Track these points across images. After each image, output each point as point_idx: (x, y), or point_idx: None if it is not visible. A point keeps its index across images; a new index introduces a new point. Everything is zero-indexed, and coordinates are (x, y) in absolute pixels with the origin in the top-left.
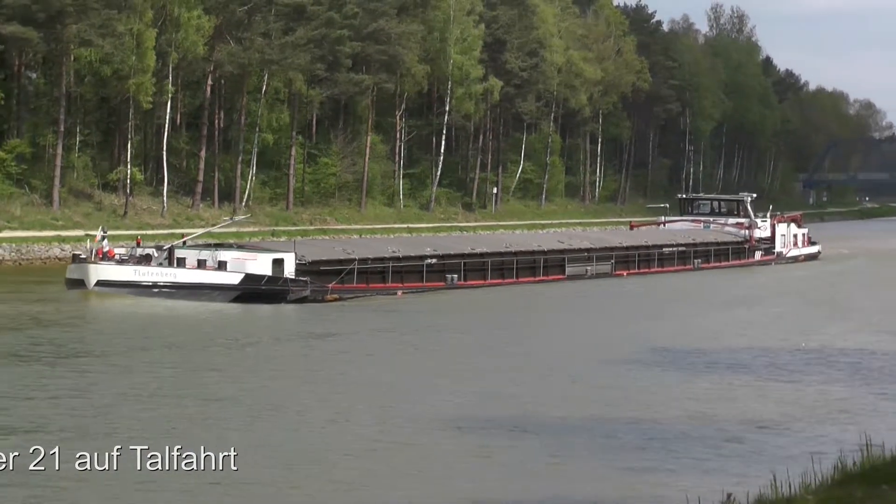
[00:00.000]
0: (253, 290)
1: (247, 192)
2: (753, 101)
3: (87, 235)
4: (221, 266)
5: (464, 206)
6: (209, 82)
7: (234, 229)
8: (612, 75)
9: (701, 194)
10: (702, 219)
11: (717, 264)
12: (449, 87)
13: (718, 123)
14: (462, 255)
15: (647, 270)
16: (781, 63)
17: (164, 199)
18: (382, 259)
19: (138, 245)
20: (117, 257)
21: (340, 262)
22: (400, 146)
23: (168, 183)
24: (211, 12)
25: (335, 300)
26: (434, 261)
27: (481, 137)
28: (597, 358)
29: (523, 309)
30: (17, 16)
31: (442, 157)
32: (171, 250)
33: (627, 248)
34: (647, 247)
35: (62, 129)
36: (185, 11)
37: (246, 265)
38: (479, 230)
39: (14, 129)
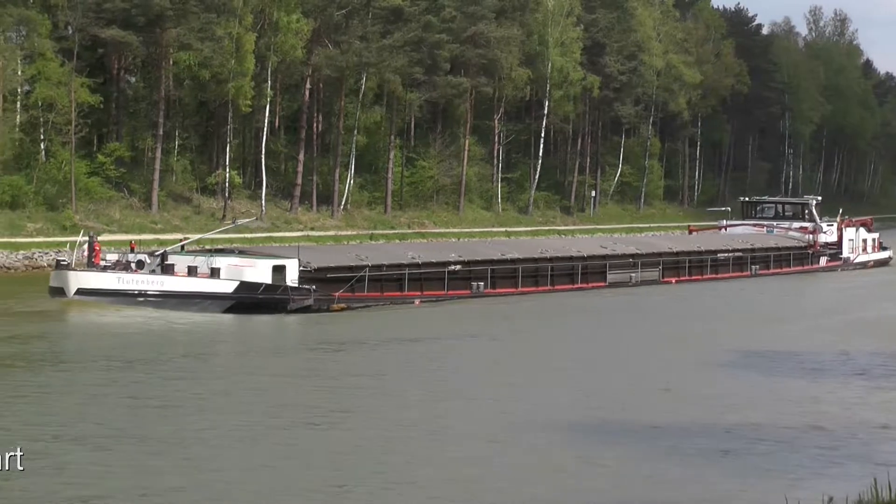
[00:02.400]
0: (249, 300)
1: (345, 196)
2: (853, 104)
3: (185, 238)
4: (214, 273)
5: (562, 209)
6: (307, 86)
7: (331, 232)
8: (712, 79)
9: (765, 197)
10: (765, 223)
11: (777, 271)
12: (547, 89)
13: (818, 127)
14: (490, 262)
15: (698, 277)
16: (882, 66)
17: (263, 202)
18: (399, 265)
19: (132, 250)
20: (102, 263)
21: (350, 268)
22: (498, 149)
23: (266, 186)
24: (309, 16)
25: (342, 309)
26: (458, 267)
27: (580, 141)
28: (680, 362)
29: (579, 314)
30: (116, 20)
31: (540, 161)
32: (163, 256)
33: (677, 254)
34: (700, 252)
35: (161, 132)
36: (283, 15)
37: (243, 272)
38: (577, 233)
39: (113, 132)
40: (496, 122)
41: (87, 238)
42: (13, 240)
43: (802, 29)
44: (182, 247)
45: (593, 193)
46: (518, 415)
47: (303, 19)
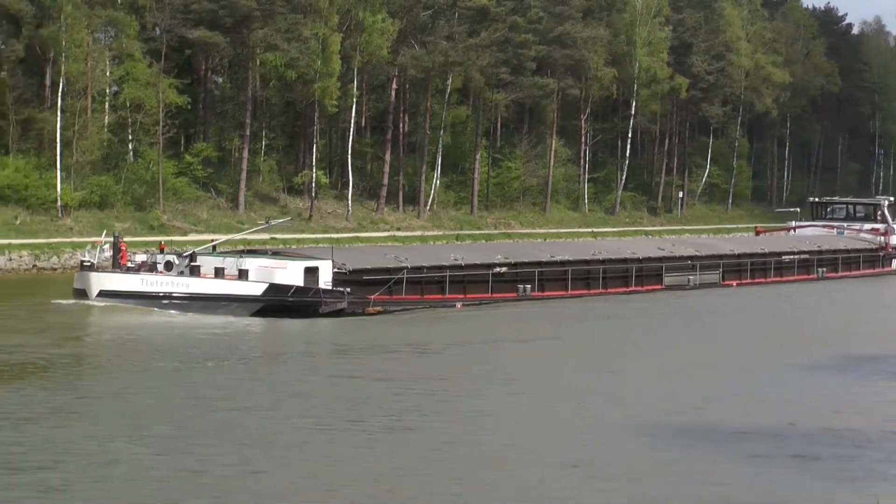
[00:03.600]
0: (278, 303)
1: (431, 196)
2: None
3: (272, 238)
4: (243, 275)
5: (649, 210)
6: (393, 86)
7: (417, 233)
8: (801, 79)
9: (835, 198)
10: (835, 224)
11: (846, 273)
12: (635, 89)
13: None
14: (538, 264)
15: (761, 280)
16: None
17: (349, 202)
18: (440, 267)
19: (161, 251)
20: (129, 264)
21: (388, 270)
22: (585, 150)
23: (353, 186)
24: (395, 16)
25: (377, 313)
26: (504, 269)
27: (667, 141)
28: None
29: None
30: (204, 21)
31: (627, 161)
32: (192, 257)
33: (739, 256)
34: (763, 254)
35: (248, 133)
36: (369, 15)
37: (273, 274)
38: (664, 234)
39: (201, 133)
40: (583, 122)
41: (116, 238)
42: (104, 239)
43: (893, 28)
44: (213, 247)
45: (680, 194)
46: (602, 418)
47: (388, 19)
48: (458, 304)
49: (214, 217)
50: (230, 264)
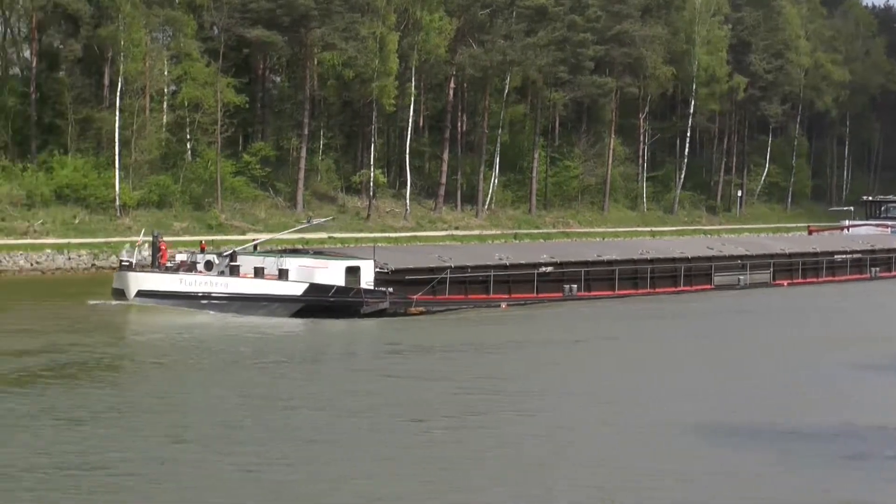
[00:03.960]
0: (319, 303)
1: (489, 195)
2: None
3: (329, 238)
4: (283, 275)
5: (708, 209)
6: (451, 85)
7: (475, 232)
8: (861, 77)
9: (889, 196)
10: (889, 223)
11: None
12: (693, 88)
13: None
14: (584, 263)
15: (813, 280)
16: None
17: (407, 201)
18: (485, 267)
19: (202, 250)
20: (169, 264)
21: (431, 270)
22: (643, 149)
23: (411, 185)
24: (453, 15)
25: (420, 313)
26: (549, 269)
27: (725, 140)
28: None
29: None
30: (261, 20)
31: (686, 160)
32: (232, 256)
33: (790, 256)
34: (815, 254)
35: (306, 132)
36: (426, 14)
37: (314, 274)
38: (723, 233)
39: (259, 132)
40: (641, 120)
41: (156, 237)
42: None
43: None
44: (255, 247)
45: (739, 193)
46: (661, 417)
47: (446, 18)
48: (503, 305)
49: (273, 216)
50: (270, 264)
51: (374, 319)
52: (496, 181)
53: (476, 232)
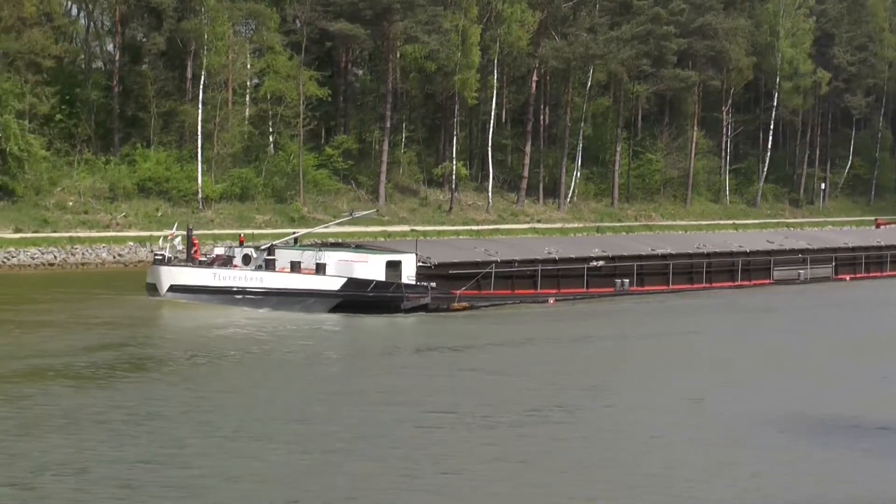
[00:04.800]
0: (357, 298)
1: (571, 188)
2: None
3: (412, 231)
4: (320, 269)
5: (791, 202)
6: (534, 77)
7: (557, 225)
8: None
9: None
10: None
11: None
12: (777, 81)
13: None
14: (637, 257)
15: (877, 274)
16: None
17: (489, 194)
18: (532, 261)
19: (241, 244)
20: (203, 258)
21: (476, 264)
22: (726, 142)
23: (493, 178)
24: (535, 7)
25: (464, 308)
26: (601, 263)
27: (808, 133)
28: None
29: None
30: (344, 13)
31: (769, 153)
32: (270, 250)
33: (853, 250)
34: (880, 248)
35: (388, 125)
36: (508, 6)
37: (353, 268)
38: (806, 226)
39: (341, 125)
40: (724, 113)
41: (189, 231)
42: (242, 231)
43: None
44: (295, 240)
45: (822, 186)
46: (748, 413)
47: (528, 11)
48: (551, 300)
49: (354, 209)
50: (308, 258)
51: (413, 315)
52: (578, 174)
53: (558, 225)
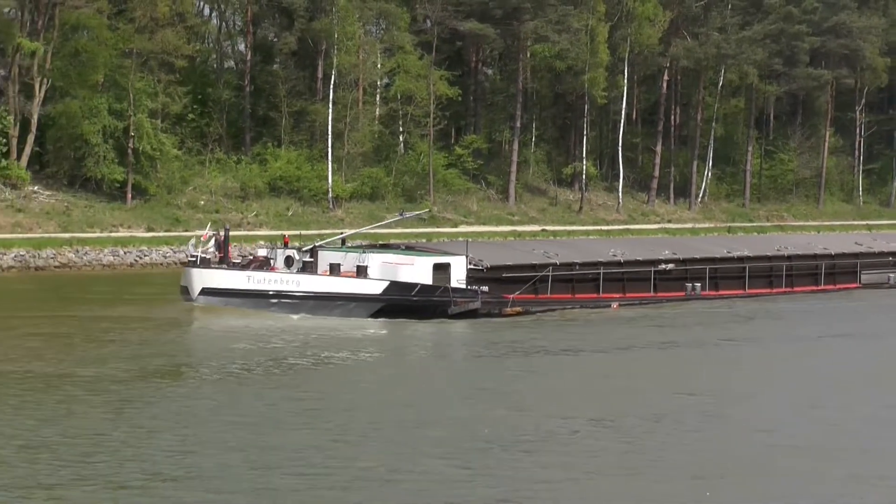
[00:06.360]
0: (400, 302)
1: (702, 188)
2: None
3: (542, 230)
4: (361, 272)
5: None
6: (665, 77)
7: (688, 225)
8: None
9: None
10: None
11: None
12: None
13: None
14: (710, 260)
15: None
16: None
17: (619, 194)
18: (594, 264)
19: (285, 245)
20: (237, 259)
21: (532, 267)
22: (859, 142)
23: (623, 178)
24: (666, 6)
25: (518, 314)
26: (670, 266)
27: None
28: None
29: None
30: (474, 13)
31: None
32: (312, 251)
33: None
34: None
35: (518, 124)
36: (639, 5)
37: (397, 271)
38: None
39: (471, 125)
40: (857, 113)
41: (215, 232)
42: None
43: None
44: (343, 241)
45: None
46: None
47: (659, 9)
48: (614, 304)
49: (484, 209)
50: (350, 260)
51: (462, 321)
52: (709, 174)
53: (689, 225)
